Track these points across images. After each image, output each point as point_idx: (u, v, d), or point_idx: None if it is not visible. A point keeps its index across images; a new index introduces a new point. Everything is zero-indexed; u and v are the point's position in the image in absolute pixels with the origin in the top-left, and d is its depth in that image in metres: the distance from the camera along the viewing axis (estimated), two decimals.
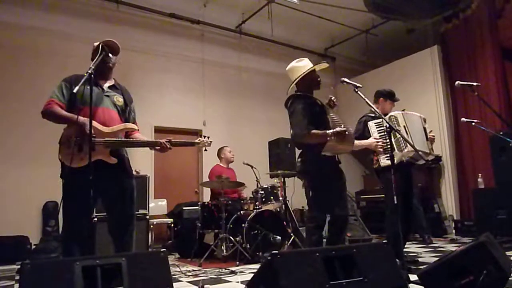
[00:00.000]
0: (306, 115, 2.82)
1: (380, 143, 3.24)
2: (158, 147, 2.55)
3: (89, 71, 2.19)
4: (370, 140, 3.27)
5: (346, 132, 2.74)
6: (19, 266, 1.54)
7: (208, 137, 2.74)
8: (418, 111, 3.63)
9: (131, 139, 2.61)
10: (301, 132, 2.81)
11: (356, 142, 3.17)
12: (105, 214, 2.72)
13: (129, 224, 2.49)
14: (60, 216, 2.42)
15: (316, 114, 2.87)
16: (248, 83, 7.60)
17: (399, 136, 3.16)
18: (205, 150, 2.78)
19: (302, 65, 2.98)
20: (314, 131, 2.80)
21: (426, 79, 6.99)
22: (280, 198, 4.85)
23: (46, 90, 2.47)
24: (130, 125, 2.58)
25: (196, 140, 2.69)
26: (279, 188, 4.95)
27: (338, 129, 2.72)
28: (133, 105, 2.74)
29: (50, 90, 2.49)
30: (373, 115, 3.39)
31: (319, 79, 3.04)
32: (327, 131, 2.74)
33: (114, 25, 6.14)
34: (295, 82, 2.97)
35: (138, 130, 2.67)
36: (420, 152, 3.18)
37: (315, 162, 2.88)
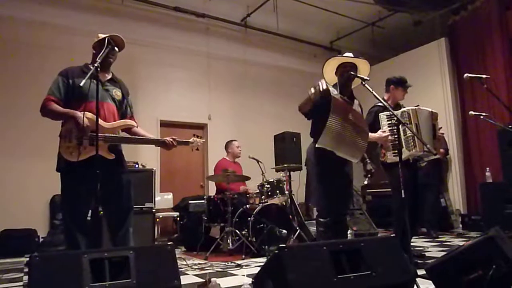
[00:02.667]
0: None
1: (389, 138, 3.13)
2: (163, 145, 2.59)
3: (96, 65, 2.19)
4: (378, 134, 3.17)
5: (321, 89, 2.50)
6: (27, 259, 1.55)
7: (201, 137, 2.80)
8: (425, 104, 3.58)
9: (136, 137, 2.61)
10: None
11: None
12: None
13: (126, 219, 2.47)
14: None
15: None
16: (253, 77, 7.57)
17: (410, 134, 3.10)
18: (197, 149, 2.81)
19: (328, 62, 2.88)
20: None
21: (433, 72, 6.91)
22: (286, 192, 4.85)
23: (49, 84, 2.46)
24: (129, 122, 2.59)
25: (190, 140, 2.73)
26: (285, 182, 4.94)
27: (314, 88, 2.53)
28: (130, 98, 2.72)
29: None
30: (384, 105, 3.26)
31: (347, 70, 2.83)
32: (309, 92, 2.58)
33: (119, 19, 6.12)
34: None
35: (136, 126, 2.65)
36: (426, 152, 3.14)
37: (314, 154, 2.82)
